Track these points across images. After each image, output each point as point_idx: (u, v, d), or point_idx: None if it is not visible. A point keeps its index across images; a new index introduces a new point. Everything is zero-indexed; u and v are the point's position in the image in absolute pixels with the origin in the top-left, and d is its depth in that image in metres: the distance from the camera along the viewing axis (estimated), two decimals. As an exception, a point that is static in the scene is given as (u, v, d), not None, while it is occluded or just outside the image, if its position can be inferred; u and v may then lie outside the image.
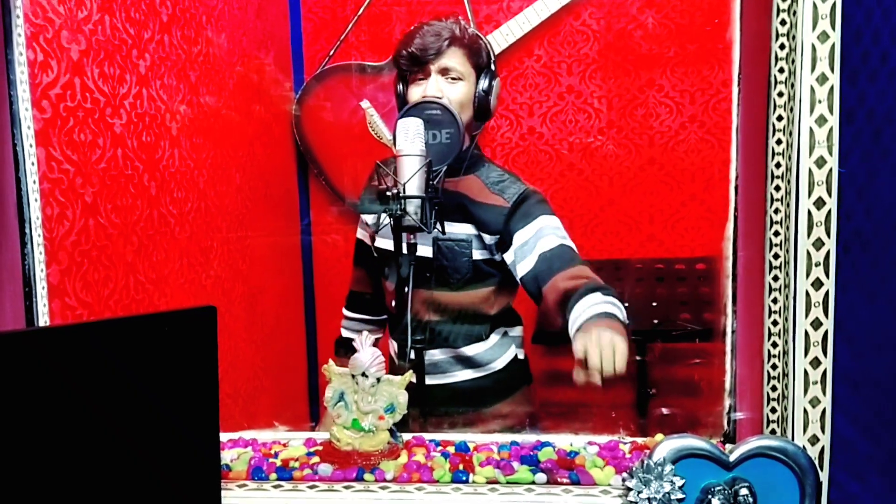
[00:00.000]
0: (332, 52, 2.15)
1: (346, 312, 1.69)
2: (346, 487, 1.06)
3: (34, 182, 1.09)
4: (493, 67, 1.46)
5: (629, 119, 2.09)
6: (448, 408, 1.48)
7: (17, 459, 0.80)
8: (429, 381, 1.45)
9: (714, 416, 1.15)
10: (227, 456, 1.15)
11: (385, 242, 1.48)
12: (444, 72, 1.40)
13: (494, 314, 1.51)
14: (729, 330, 1.12)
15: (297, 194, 2.22)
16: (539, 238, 1.38)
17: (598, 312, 1.20)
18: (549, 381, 1.81)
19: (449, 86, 1.40)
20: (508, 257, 1.41)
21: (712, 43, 2.01)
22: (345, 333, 1.69)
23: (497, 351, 1.52)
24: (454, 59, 1.40)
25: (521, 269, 1.39)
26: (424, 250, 1.38)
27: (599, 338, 1.09)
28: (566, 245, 1.38)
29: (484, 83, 1.42)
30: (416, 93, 1.41)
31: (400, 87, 1.46)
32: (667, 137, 2.08)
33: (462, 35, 1.42)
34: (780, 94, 0.96)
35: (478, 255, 1.44)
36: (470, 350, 1.49)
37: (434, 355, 1.48)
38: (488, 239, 1.43)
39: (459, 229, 1.44)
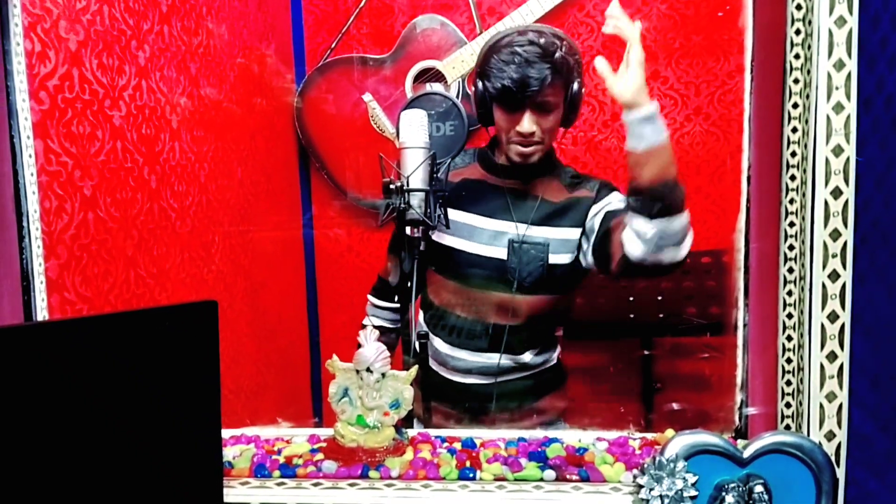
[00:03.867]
0: (333, 45, 2.13)
1: (371, 300, 1.61)
2: (351, 485, 1.04)
3: (32, 174, 1.07)
4: (580, 76, 1.35)
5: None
6: (489, 404, 1.47)
7: (16, 455, 0.78)
8: (475, 380, 1.47)
9: (725, 412, 1.13)
10: (229, 453, 1.13)
11: (449, 239, 1.43)
12: (539, 106, 1.31)
13: (555, 320, 1.50)
14: (741, 323, 1.10)
15: (299, 188, 2.20)
16: (609, 201, 1.37)
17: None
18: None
19: (543, 118, 1.33)
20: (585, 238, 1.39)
21: (718, 34, 1.99)
22: (373, 322, 1.61)
23: (548, 355, 1.51)
24: (550, 92, 1.30)
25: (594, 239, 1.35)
26: (499, 252, 1.39)
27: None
28: None
29: (574, 93, 1.33)
30: (509, 120, 1.33)
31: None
32: (671, 130, 2.05)
33: (561, 62, 1.29)
34: (796, 81, 0.94)
35: (555, 259, 1.40)
36: (526, 356, 1.47)
37: (491, 357, 1.45)
38: (582, 241, 1.39)
39: (538, 233, 1.39)
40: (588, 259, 1.37)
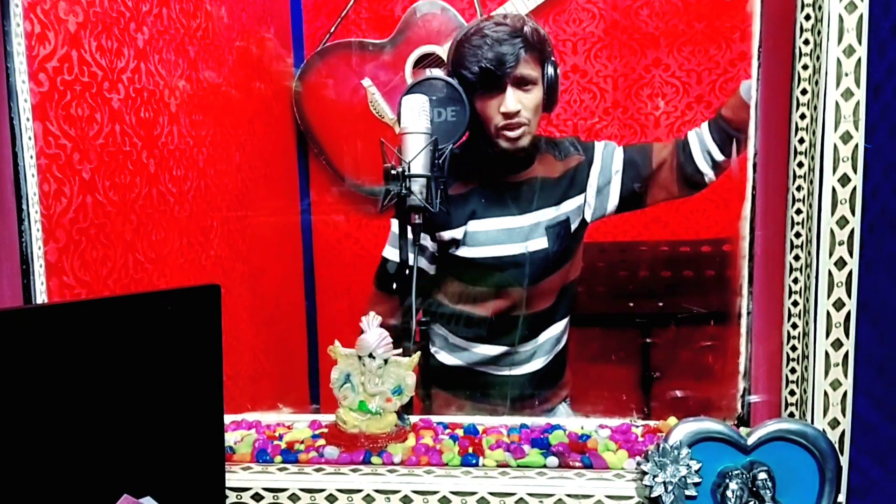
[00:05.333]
0: (333, 29, 2.11)
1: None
2: (353, 470, 1.03)
3: (31, 157, 1.06)
4: (552, 57, 1.39)
5: (634, 99, 2.06)
6: (513, 393, 1.50)
7: (14, 438, 0.77)
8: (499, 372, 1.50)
9: (727, 400, 1.13)
10: (230, 438, 1.13)
11: (484, 250, 1.44)
12: (519, 82, 1.34)
13: (571, 292, 1.52)
14: (744, 311, 1.10)
15: (298, 174, 2.18)
16: (612, 151, 1.47)
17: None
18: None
19: (525, 95, 1.35)
20: (593, 191, 1.45)
21: (720, 21, 1.98)
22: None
23: (563, 336, 1.53)
24: (528, 66, 1.34)
25: (615, 183, 1.45)
26: (541, 243, 1.43)
27: None
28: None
29: (550, 76, 1.36)
30: (492, 106, 1.35)
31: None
32: (673, 118, 2.05)
33: (531, 36, 1.34)
34: (805, 67, 0.93)
35: (573, 227, 1.47)
36: (548, 334, 1.49)
37: (524, 346, 1.49)
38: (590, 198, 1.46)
39: (560, 211, 1.44)
40: (608, 208, 1.47)
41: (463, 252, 1.43)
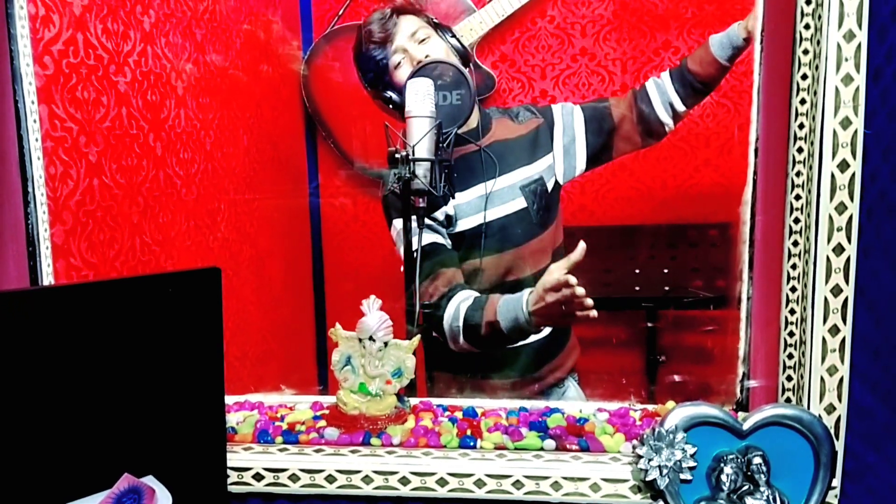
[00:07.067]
0: (341, 12, 2.10)
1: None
2: (353, 451, 1.05)
3: (37, 140, 1.07)
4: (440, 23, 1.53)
5: (643, 82, 2.05)
6: (512, 370, 1.50)
7: (19, 417, 0.79)
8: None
9: (727, 384, 1.13)
10: (233, 419, 1.14)
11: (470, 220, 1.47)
12: (413, 38, 1.45)
13: (559, 253, 1.53)
14: (744, 296, 1.10)
15: (306, 157, 2.19)
16: (571, 110, 1.52)
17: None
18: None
19: (426, 46, 1.44)
20: (559, 151, 1.50)
21: (730, 3, 1.96)
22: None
23: None
24: (410, 22, 1.46)
25: (579, 140, 1.50)
26: (520, 203, 1.46)
27: None
28: None
29: (447, 34, 1.48)
30: (403, 71, 1.44)
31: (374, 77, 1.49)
32: (681, 101, 2.03)
33: (403, 4, 1.49)
34: (806, 52, 0.92)
35: (549, 185, 1.50)
36: None
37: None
38: (547, 162, 1.50)
39: (526, 172, 1.47)
40: (577, 167, 1.52)
41: (460, 226, 1.45)
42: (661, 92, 1.48)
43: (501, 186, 1.45)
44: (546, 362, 1.52)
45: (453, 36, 1.49)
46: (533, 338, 1.48)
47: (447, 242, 1.48)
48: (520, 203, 1.45)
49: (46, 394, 0.81)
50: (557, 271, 1.21)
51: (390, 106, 1.49)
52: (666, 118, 1.48)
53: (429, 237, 1.45)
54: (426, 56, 1.41)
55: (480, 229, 1.44)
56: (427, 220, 1.42)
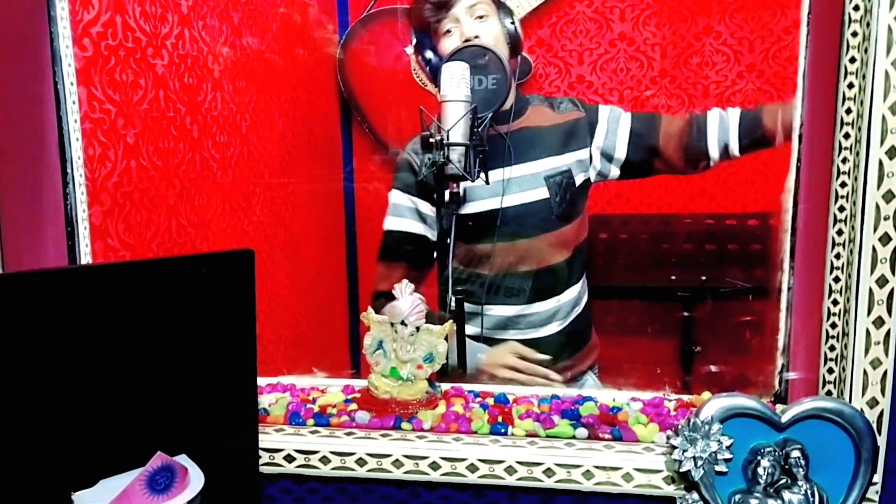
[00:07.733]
0: (377, -4, 2.10)
1: None
2: (384, 435, 1.05)
3: (76, 121, 1.08)
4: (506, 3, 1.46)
5: (683, 68, 2.01)
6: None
7: (55, 394, 0.80)
8: (515, 335, 1.48)
9: (765, 376, 1.11)
10: (265, 400, 1.15)
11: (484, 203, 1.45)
12: (470, 11, 1.40)
13: (583, 254, 1.52)
14: (785, 287, 1.07)
15: (340, 141, 2.19)
16: (618, 116, 1.47)
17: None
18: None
19: (480, 24, 1.39)
20: (597, 152, 1.46)
21: (775, -14, 1.91)
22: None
23: (581, 298, 1.52)
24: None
25: (620, 149, 1.45)
26: (541, 192, 1.43)
27: None
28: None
29: (507, 18, 1.42)
30: (450, 41, 1.40)
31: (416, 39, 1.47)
32: (723, 87, 1.99)
33: None
34: (854, 34, 0.89)
35: (578, 180, 1.47)
36: (565, 296, 1.48)
37: (530, 308, 1.47)
38: (578, 157, 1.46)
39: (554, 163, 1.44)
40: (610, 173, 1.48)
41: (471, 208, 1.43)
42: (723, 129, 1.40)
43: (523, 173, 1.43)
44: (565, 357, 1.50)
45: (513, 22, 1.44)
46: (548, 331, 1.47)
47: (429, 234, 1.48)
48: (541, 193, 1.43)
49: (82, 371, 0.82)
50: (512, 357, 1.31)
51: (427, 68, 1.48)
52: (714, 154, 1.41)
53: (408, 225, 1.48)
54: (476, 36, 1.38)
55: (495, 214, 1.42)
56: (425, 202, 1.44)
